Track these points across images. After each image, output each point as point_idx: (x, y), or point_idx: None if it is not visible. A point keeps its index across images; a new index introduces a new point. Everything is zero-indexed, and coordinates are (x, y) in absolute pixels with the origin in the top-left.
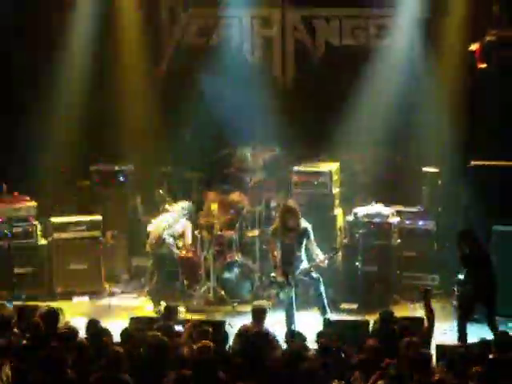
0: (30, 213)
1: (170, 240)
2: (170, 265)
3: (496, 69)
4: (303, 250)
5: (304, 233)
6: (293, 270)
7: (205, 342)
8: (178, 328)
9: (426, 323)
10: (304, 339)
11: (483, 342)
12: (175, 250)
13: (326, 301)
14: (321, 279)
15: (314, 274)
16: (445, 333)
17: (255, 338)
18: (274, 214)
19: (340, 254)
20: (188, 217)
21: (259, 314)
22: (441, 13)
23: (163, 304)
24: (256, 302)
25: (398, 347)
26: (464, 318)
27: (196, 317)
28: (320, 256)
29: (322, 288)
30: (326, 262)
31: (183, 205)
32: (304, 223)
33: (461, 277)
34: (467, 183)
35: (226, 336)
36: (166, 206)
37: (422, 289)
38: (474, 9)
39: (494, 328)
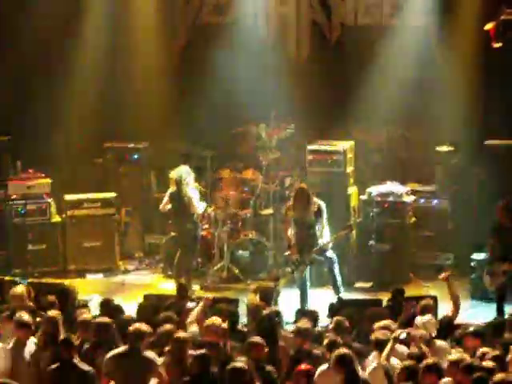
0: (45, 190)
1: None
2: (188, 241)
3: (510, 48)
4: (318, 228)
5: (318, 211)
6: (307, 249)
7: (211, 321)
8: (192, 305)
9: (452, 307)
10: (316, 317)
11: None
12: (197, 206)
13: (339, 279)
14: (335, 258)
15: (329, 253)
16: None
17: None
18: (288, 193)
19: (354, 232)
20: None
21: (267, 295)
22: None
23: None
24: (260, 283)
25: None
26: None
27: (210, 294)
28: (325, 239)
29: (337, 267)
30: (331, 244)
31: (186, 171)
32: (318, 201)
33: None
34: (482, 162)
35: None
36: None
37: (445, 276)
38: None
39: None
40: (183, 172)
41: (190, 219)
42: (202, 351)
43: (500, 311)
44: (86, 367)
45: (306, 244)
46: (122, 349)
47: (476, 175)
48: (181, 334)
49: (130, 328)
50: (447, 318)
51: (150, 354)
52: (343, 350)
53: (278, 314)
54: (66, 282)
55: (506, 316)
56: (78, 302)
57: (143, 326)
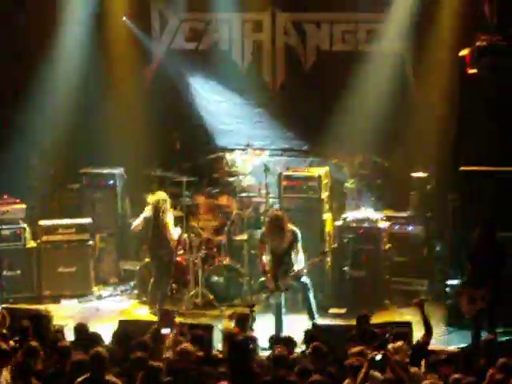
0: (19, 215)
1: (168, 216)
2: (163, 267)
3: (486, 74)
4: (293, 254)
5: (293, 237)
6: (282, 275)
7: (184, 347)
8: (166, 331)
9: (424, 333)
10: (293, 343)
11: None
12: (173, 232)
13: (314, 305)
14: (309, 284)
15: (303, 279)
16: (433, 337)
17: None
18: (262, 219)
19: (329, 258)
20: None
21: (243, 321)
22: (430, 18)
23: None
24: (236, 309)
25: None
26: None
27: (184, 320)
28: (300, 265)
29: (311, 293)
30: (305, 271)
31: (161, 197)
32: (293, 228)
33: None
34: (457, 188)
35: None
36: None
37: (418, 301)
38: (464, 14)
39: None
40: (161, 197)
41: (165, 245)
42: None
43: (477, 337)
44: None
45: (281, 270)
46: (83, 377)
47: (451, 201)
48: (154, 362)
49: (90, 352)
50: (420, 344)
51: (112, 378)
52: (317, 377)
53: (252, 339)
54: (41, 307)
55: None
56: (52, 327)
57: (103, 351)
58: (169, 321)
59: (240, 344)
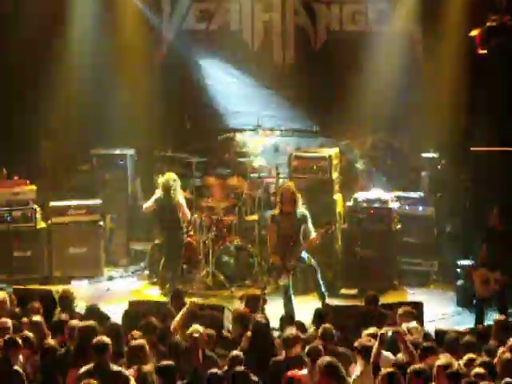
0: (30, 196)
1: (179, 196)
2: (174, 248)
3: (496, 54)
4: (301, 235)
5: (302, 218)
6: (290, 256)
7: (194, 328)
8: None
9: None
10: (302, 326)
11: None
12: (186, 211)
13: (323, 287)
14: (316, 266)
15: (310, 262)
16: (443, 318)
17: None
18: (273, 199)
19: (339, 238)
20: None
21: (253, 302)
22: None
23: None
24: (247, 291)
25: None
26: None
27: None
28: (313, 234)
29: (319, 275)
30: (318, 240)
31: (172, 178)
32: (302, 209)
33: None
34: (468, 169)
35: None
36: (158, 180)
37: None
38: None
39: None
40: (171, 178)
41: (176, 226)
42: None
43: (480, 317)
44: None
45: (289, 251)
46: (88, 366)
47: (461, 182)
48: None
49: (93, 341)
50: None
51: (118, 368)
52: (329, 359)
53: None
54: (65, 287)
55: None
56: (74, 306)
57: (105, 338)
58: (180, 301)
59: (260, 326)
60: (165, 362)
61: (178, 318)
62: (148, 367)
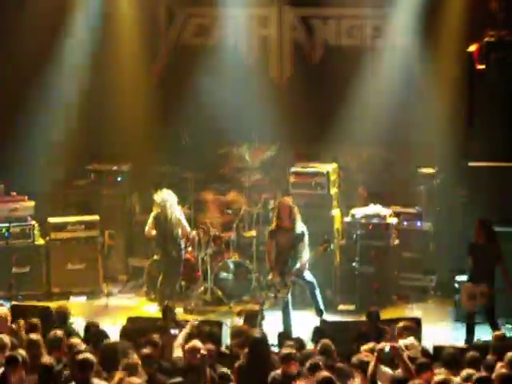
0: (28, 212)
1: (178, 212)
2: (172, 264)
3: (494, 70)
4: (299, 251)
5: (300, 234)
6: (288, 271)
7: (193, 344)
8: (174, 332)
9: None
10: (303, 345)
11: (481, 343)
12: (186, 225)
13: (321, 302)
14: (315, 283)
15: (308, 277)
16: (442, 333)
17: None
18: (271, 215)
19: (337, 254)
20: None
21: (251, 318)
22: (438, 12)
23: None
24: (246, 306)
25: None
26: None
27: (193, 317)
28: (303, 258)
29: (317, 290)
30: (307, 266)
31: (169, 194)
32: (301, 225)
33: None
34: (465, 184)
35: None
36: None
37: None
38: (472, 9)
39: (494, 328)
40: (167, 195)
41: (174, 242)
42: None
43: (471, 332)
44: None
45: (287, 266)
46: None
47: (458, 197)
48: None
49: (78, 357)
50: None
51: (98, 381)
52: (325, 374)
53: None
54: (61, 303)
55: (483, 339)
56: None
57: (90, 356)
58: (172, 317)
59: (258, 341)
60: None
61: (180, 338)
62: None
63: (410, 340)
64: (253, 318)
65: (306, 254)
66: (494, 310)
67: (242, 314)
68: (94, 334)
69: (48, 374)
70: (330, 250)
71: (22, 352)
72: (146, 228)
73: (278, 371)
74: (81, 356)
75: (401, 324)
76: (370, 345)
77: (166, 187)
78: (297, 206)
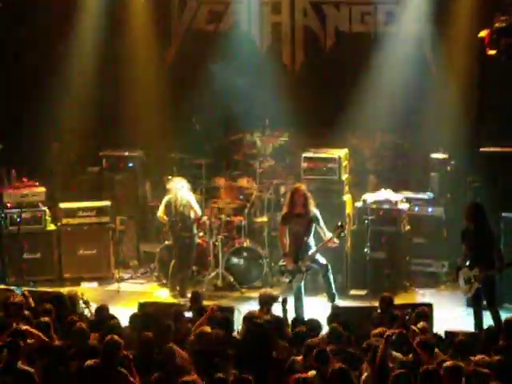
0: (39, 198)
1: (189, 196)
2: (184, 250)
3: (504, 55)
4: (312, 236)
5: (313, 219)
6: (302, 257)
7: (202, 329)
8: (188, 315)
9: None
10: (319, 326)
11: (492, 329)
12: (197, 208)
13: (334, 287)
14: (329, 266)
15: (322, 261)
16: (454, 319)
17: (267, 325)
18: (282, 201)
19: (349, 239)
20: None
21: (267, 302)
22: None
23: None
24: (262, 290)
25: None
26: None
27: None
28: (328, 235)
29: (331, 274)
30: (336, 240)
31: (181, 180)
32: (314, 210)
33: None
34: (477, 169)
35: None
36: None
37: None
38: None
39: (494, 314)
40: (178, 181)
41: (186, 227)
42: None
43: (479, 317)
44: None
45: (301, 252)
46: (93, 361)
47: (471, 182)
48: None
49: (105, 339)
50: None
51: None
52: (338, 365)
53: (279, 321)
54: (71, 289)
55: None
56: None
57: (117, 337)
58: (199, 303)
59: (257, 326)
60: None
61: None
62: None
63: (422, 324)
64: (269, 304)
65: (328, 234)
66: (491, 291)
67: (261, 298)
68: (103, 319)
69: (59, 357)
70: (342, 236)
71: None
72: (158, 213)
73: (298, 358)
74: (107, 337)
75: (416, 311)
76: (380, 329)
77: (178, 173)
78: (308, 191)
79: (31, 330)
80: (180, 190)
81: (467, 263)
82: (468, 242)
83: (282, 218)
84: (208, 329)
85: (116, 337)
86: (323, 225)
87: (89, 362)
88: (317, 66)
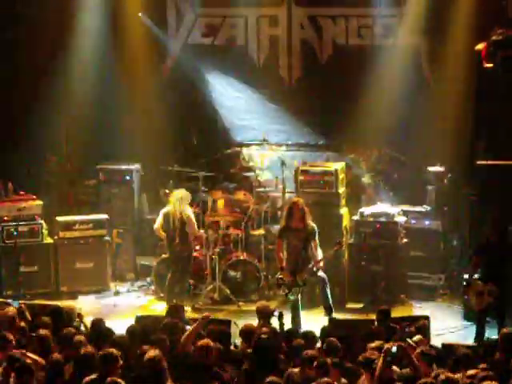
0: (36, 212)
1: (188, 211)
2: (181, 263)
3: (501, 68)
4: (310, 249)
5: (311, 232)
6: (300, 271)
7: (204, 342)
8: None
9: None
10: (315, 339)
11: (489, 342)
12: (193, 221)
13: (330, 300)
14: (326, 279)
15: (320, 274)
16: (452, 332)
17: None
18: (279, 214)
19: (346, 253)
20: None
21: (265, 314)
22: (447, 11)
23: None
24: (259, 303)
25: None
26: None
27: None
28: (318, 257)
29: (328, 288)
30: (322, 264)
31: (182, 193)
32: (312, 224)
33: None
34: (473, 182)
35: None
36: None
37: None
38: (481, 8)
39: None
40: (181, 194)
41: (183, 240)
42: None
43: (481, 331)
44: None
45: (298, 266)
46: (92, 376)
47: (467, 195)
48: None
49: (101, 352)
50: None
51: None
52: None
53: (275, 335)
54: (68, 303)
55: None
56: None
57: (115, 350)
58: (178, 316)
59: (262, 341)
60: None
61: (189, 331)
62: None
63: (418, 337)
64: (268, 317)
65: (319, 253)
66: (502, 307)
67: (260, 311)
68: (100, 331)
69: (57, 370)
70: (340, 251)
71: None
72: (155, 225)
73: (296, 370)
74: (103, 351)
75: (416, 325)
76: (377, 343)
77: (175, 187)
78: (305, 204)
79: (27, 354)
80: (179, 203)
81: (476, 276)
82: (487, 256)
83: (279, 232)
84: (209, 342)
85: (113, 349)
86: (317, 241)
87: (87, 379)
88: (314, 78)
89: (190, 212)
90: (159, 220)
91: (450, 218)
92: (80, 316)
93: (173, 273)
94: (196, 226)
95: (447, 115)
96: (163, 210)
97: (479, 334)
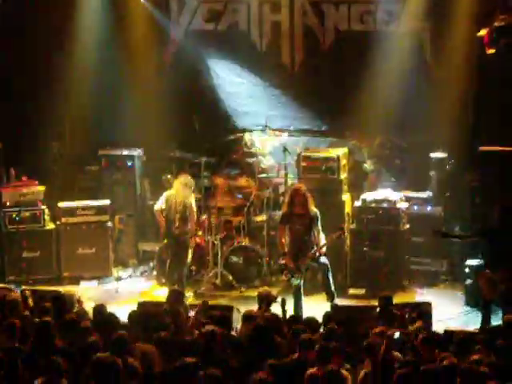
0: (38, 197)
1: (191, 198)
2: (179, 249)
3: (504, 54)
4: (312, 235)
5: (313, 218)
6: (302, 256)
7: (209, 328)
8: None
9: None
10: (317, 325)
11: (493, 328)
12: (194, 210)
13: (333, 286)
14: (329, 265)
15: (322, 260)
16: (452, 318)
17: (267, 324)
18: (281, 199)
19: (348, 239)
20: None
21: (266, 300)
22: None
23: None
24: (262, 288)
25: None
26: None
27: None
28: (321, 242)
29: (330, 273)
30: (324, 249)
31: (187, 179)
32: (314, 209)
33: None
34: (475, 168)
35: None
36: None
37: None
38: None
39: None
40: (188, 180)
41: (182, 226)
42: None
43: (487, 319)
44: None
45: (301, 251)
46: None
47: (469, 181)
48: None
49: (113, 335)
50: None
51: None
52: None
53: (277, 320)
54: (68, 288)
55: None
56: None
57: (125, 334)
58: (178, 301)
59: (260, 326)
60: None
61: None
62: None
63: (418, 324)
64: (269, 304)
65: (322, 239)
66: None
67: (261, 297)
68: (101, 318)
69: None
70: (342, 237)
71: None
72: (156, 206)
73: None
74: (116, 334)
75: (418, 311)
76: (379, 329)
77: (177, 172)
78: (307, 190)
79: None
80: (184, 188)
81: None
82: (496, 243)
83: (282, 218)
84: (215, 327)
85: (123, 332)
86: (320, 227)
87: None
88: (316, 64)
89: (192, 200)
90: (161, 202)
91: (452, 204)
92: (80, 302)
93: (172, 257)
94: (195, 216)
95: (450, 100)
96: (166, 193)
97: (486, 321)
